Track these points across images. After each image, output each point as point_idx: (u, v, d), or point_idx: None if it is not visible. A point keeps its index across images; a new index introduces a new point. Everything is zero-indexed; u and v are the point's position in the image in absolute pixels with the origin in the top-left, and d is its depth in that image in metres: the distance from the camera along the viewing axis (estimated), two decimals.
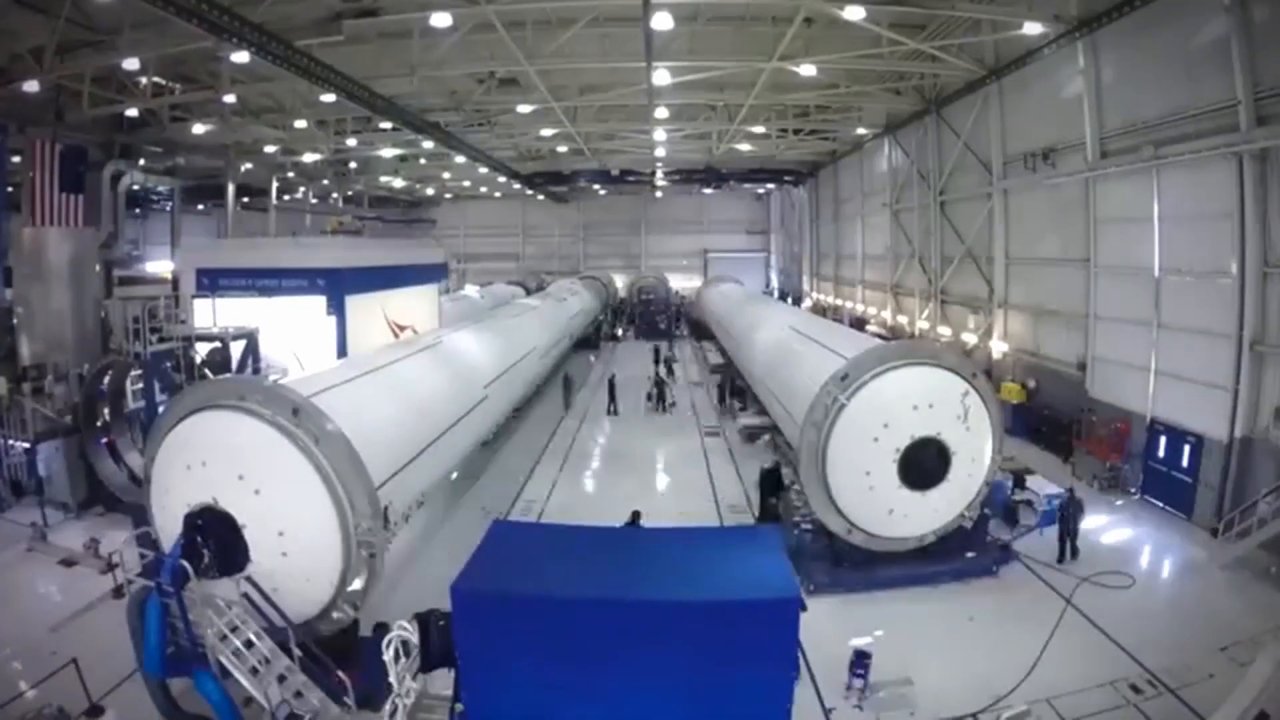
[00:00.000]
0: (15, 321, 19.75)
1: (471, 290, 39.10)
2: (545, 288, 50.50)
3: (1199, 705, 8.73)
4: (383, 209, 55.13)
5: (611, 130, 30.64)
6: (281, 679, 8.24)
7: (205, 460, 8.87)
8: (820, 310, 41.34)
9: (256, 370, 15.91)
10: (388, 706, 7.21)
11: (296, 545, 8.71)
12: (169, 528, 9.05)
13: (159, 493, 9.42)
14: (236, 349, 15.35)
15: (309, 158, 33.49)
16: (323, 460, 8.84)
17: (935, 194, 27.27)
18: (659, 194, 54.41)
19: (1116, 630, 10.83)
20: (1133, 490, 16.46)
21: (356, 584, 9.07)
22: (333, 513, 8.81)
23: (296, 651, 8.46)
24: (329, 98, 20.89)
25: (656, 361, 30.25)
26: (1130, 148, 16.74)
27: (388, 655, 7.23)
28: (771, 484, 14.88)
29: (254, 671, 8.06)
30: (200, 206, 42.32)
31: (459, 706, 6.74)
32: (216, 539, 8.53)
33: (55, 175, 19.91)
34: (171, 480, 9.17)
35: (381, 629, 9.63)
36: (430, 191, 51.70)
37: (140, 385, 14.97)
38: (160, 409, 10.62)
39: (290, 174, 37.63)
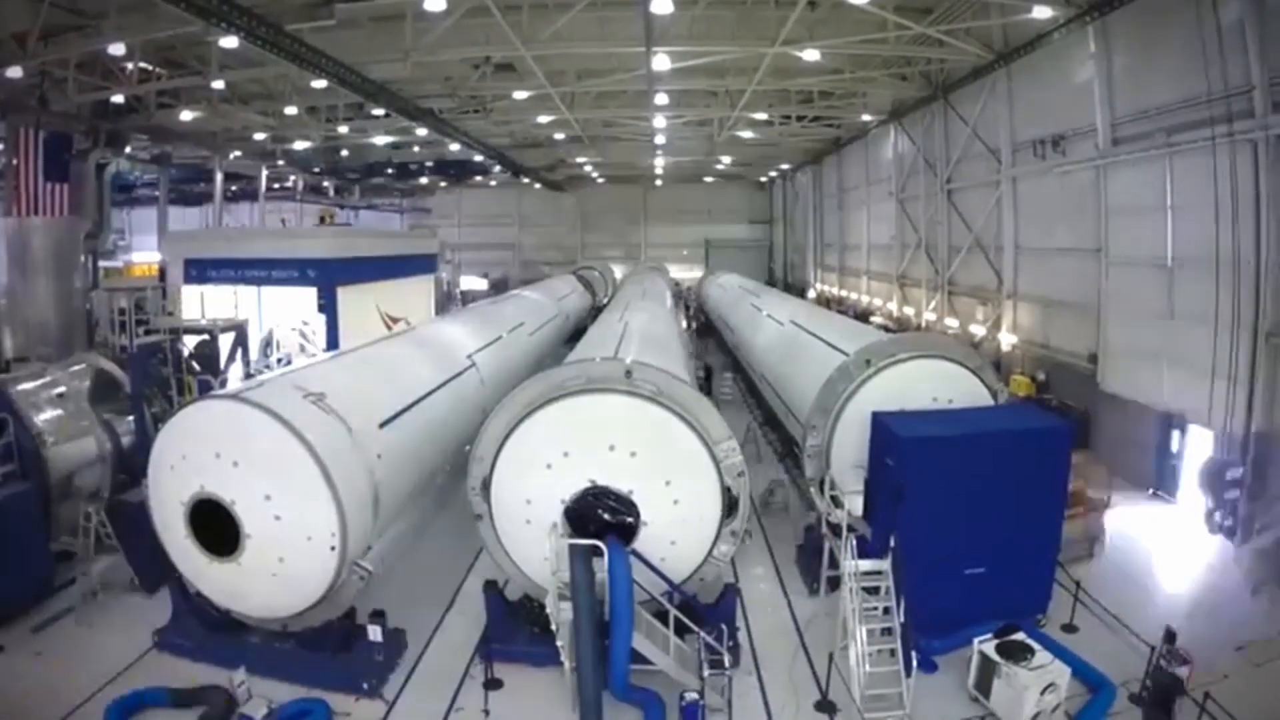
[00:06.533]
0: None
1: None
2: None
3: (1213, 707, 8.40)
4: (376, 198, 54.60)
5: (610, 117, 30.12)
6: None
7: (568, 450, 9.18)
8: (824, 301, 40.92)
9: (247, 363, 15.59)
10: None
11: (683, 493, 9.33)
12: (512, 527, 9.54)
13: (501, 492, 9.54)
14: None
15: (299, 145, 32.95)
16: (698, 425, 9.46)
17: (942, 182, 26.83)
18: (659, 182, 53.88)
19: (1127, 630, 10.56)
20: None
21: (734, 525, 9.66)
22: (710, 464, 9.41)
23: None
24: (320, 83, 20.42)
25: None
26: (1143, 134, 16.31)
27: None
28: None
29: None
30: (196, 187, 41.41)
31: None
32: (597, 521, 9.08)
33: (39, 164, 19.49)
34: (523, 478, 9.36)
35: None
36: (424, 180, 51.00)
37: None
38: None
39: (280, 162, 37.13)
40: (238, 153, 33.62)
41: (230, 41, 16.37)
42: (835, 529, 10.81)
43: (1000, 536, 10.04)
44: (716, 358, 30.88)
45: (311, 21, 16.68)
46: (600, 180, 53.56)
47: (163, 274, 21.31)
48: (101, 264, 22.65)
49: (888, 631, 9.21)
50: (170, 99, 24.40)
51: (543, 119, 29.11)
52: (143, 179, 31.34)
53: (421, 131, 29.26)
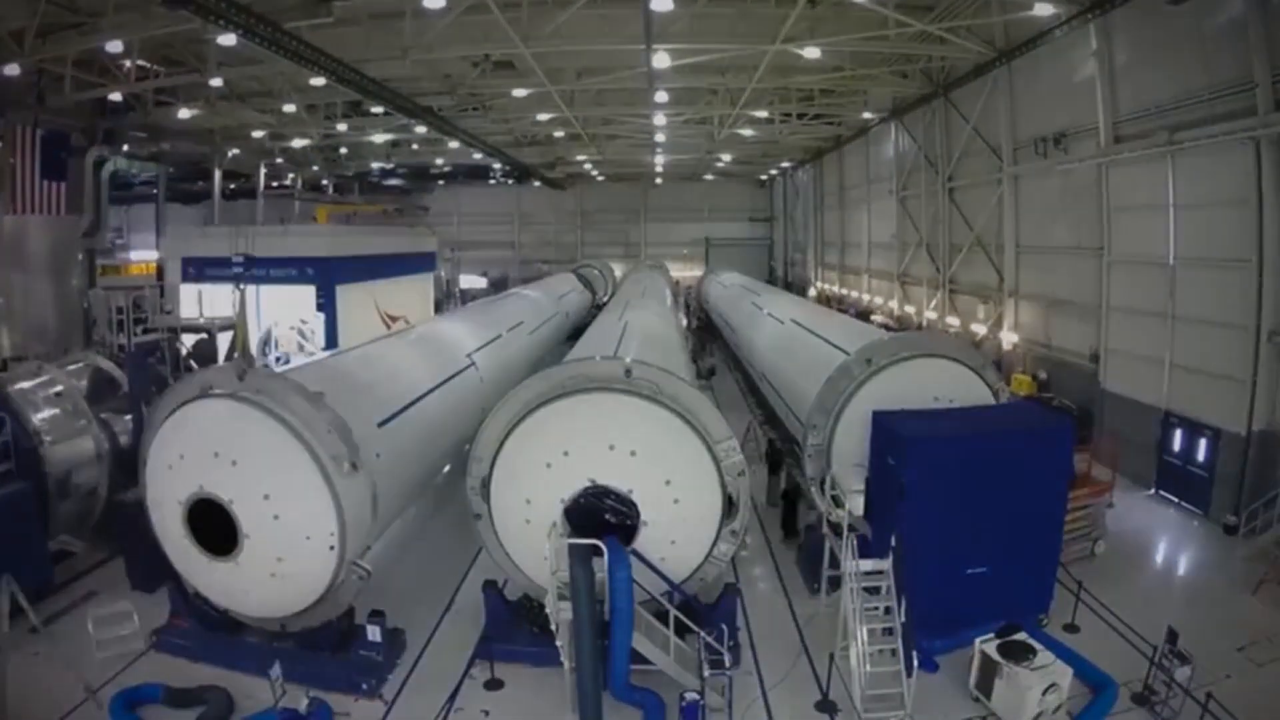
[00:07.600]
0: None
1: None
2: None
3: (1215, 708, 8.38)
4: (374, 196, 54.39)
5: (610, 115, 30.02)
6: None
7: (568, 450, 9.11)
8: (825, 300, 40.85)
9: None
10: None
11: (683, 492, 9.24)
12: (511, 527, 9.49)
13: (500, 491, 9.51)
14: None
15: (298, 143, 32.87)
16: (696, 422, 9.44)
17: (943, 180, 26.78)
18: (659, 180, 53.75)
19: (1129, 630, 10.54)
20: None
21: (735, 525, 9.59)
22: (709, 461, 9.36)
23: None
24: (318, 81, 20.33)
25: None
26: (1145, 132, 16.27)
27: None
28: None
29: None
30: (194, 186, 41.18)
31: None
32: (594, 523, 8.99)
33: (36, 162, 19.42)
34: (523, 477, 9.34)
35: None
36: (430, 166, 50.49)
37: None
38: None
39: (279, 160, 37.01)
40: (236, 150, 33.53)
41: (228, 39, 16.29)
42: (836, 528, 10.78)
43: (1002, 536, 10.01)
44: (717, 357, 30.83)
45: (310, 19, 16.55)
46: (600, 178, 53.40)
47: (160, 272, 21.26)
48: (99, 261, 22.56)
49: (889, 631, 9.17)
50: (168, 97, 24.30)
51: (542, 117, 29.01)
52: (140, 177, 31.19)
53: (420, 130, 29.17)
